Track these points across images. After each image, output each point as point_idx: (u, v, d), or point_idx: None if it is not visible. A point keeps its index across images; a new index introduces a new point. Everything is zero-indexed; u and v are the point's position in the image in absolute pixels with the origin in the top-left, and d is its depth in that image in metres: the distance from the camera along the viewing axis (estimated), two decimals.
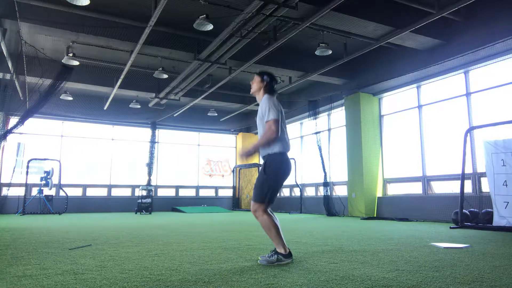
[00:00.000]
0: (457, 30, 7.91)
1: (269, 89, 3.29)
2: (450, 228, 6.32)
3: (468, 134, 7.02)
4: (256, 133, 16.61)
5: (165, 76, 10.16)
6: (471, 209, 6.97)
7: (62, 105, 12.21)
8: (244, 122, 16.23)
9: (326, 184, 11.30)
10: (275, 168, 3.07)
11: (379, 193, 10.23)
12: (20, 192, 11.75)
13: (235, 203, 15.91)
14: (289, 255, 3.02)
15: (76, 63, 9.07)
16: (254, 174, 15.63)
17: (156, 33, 8.11)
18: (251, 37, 7.67)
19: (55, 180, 12.19)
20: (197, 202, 15.33)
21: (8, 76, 9.59)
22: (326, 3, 6.53)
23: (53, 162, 12.36)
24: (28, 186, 11.79)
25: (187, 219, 9.20)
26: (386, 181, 10.32)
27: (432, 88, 9.36)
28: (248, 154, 3.10)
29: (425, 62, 8.61)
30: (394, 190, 10.16)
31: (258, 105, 3.32)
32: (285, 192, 14.50)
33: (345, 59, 8.89)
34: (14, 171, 11.86)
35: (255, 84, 3.33)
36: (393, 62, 9.43)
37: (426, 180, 9.16)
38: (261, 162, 3.22)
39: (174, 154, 15.62)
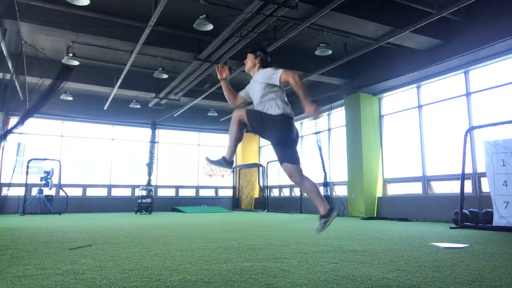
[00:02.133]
0: (457, 30, 7.91)
1: (264, 63, 3.20)
2: (450, 228, 6.32)
3: (468, 134, 7.02)
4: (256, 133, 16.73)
5: (165, 76, 10.16)
6: (471, 209, 6.97)
7: (62, 105, 12.21)
8: None
9: (326, 184, 11.30)
10: (286, 130, 3.05)
11: (379, 193, 10.23)
12: (20, 192, 11.74)
13: (235, 203, 15.91)
14: (328, 213, 2.96)
15: (76, 63, 9.07)
16: (254, 174, 15.62)
17: (156, 33, 8.10)
18: (251, 37, 7.67)
19: (55, 180, 12.19)
20: (197, 202, 15.33)
21: (8, 76, 9.59)
22: (326, 3, 6.53)
23: (53, 162, 12.36)
24: (28, 186, 11.78)
25: (187, 219, 9.20)
26: (386, 181, 10.32)
27: (432, 88, 9.36)
28: (317, 106, 3.00)
29: (425, 62, 8.61)
30: (394, 190, 10.16)
31: None
32: (285, 192, 14.51)
33: (345, 59, 8.89)
34: (14, 171, 11.86)
35: (249, 62, 3.25)
36: (393, 62, 9.43)
37: (426, 180, 9.16)
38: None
39: (174, 154, 15.62)
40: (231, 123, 3.15)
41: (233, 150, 3.22)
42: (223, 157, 3.23)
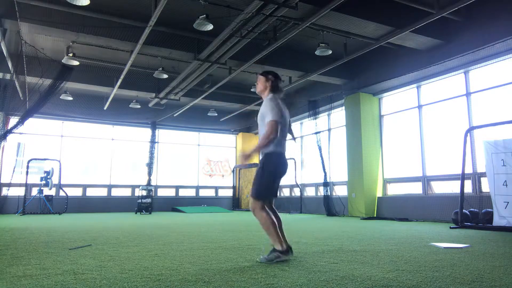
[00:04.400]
0: (457, 30, 7.91)
1: (274, 88, 3.34)
2: (450, 228, 6.32)
3: (468, 134, 7.02)
4: (256, 133, 16.75)
5: (165, 76, 10.16)
6: (471, 209, 6.97)
7: (62, 105, 12.21)
8: (244, 122, 16.22)
9: (326, 184, 11.30)
10: (271, 167, 3.18)
11: (379, 193, 10.23)
12: (20, 192, 11.75)
13: (235, 203, 15.91)
14: (286, 251, 3.07)
15: (76, 63, 9.07)
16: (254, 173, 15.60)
17: (156, 33, 8.10)
18: (251, 37, 7.67)
19: (55, 180, 12.19)
20: (197, 202, 15.33)
21: (8, 76, 9.59)
22: (326, 3, 6.53)
23: (53, 162, 12.36)
24: (28, 186, 11.79)
25: (187, 219, 9.20)
26: (386, 181, 10.32)
27: (432, 88, 9.36)
28: (248, 156, 3.16)
29: (425, 62, 8.61)
30: (394, 190, 10.15)
31: (258, 105, 3.36)
32: (285, 192, 14.50)
33: (345, 59, 8.88)
34: (14, 171, 11.86)
35: (260, 84, 3.39)
36: (393, 62, 9.43)
37: (426, 180, 9.16)
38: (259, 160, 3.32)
39: (174, 154, 15.62)
40: (256, 215, 3.11)
41: (277, 236, 3.07)
42: (275, 249, 3.05)
